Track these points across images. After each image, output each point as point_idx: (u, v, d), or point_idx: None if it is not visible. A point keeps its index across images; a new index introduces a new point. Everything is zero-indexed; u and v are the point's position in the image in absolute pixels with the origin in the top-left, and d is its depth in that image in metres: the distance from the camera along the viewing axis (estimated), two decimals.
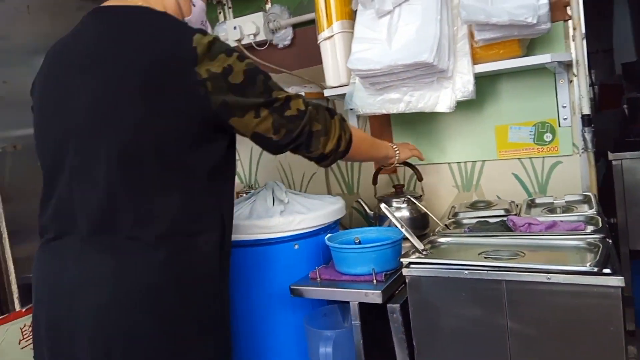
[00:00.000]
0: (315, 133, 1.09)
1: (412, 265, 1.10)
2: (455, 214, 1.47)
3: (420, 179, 1.60)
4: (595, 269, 0.88)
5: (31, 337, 1.56)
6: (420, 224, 1.59)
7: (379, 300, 1.19)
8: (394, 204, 1.59)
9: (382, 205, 1.27)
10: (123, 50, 0.97)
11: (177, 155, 0.98)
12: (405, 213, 1.59)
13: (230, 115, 1.00)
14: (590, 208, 1.30)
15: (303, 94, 1.76)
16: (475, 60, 1.46)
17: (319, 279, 1.34)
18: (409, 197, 1.60)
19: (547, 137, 1.57)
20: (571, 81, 1.52)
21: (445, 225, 1.37)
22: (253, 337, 1.49)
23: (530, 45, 1.50)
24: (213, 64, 0.95)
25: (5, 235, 1.76)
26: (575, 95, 1.52)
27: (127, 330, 0.94)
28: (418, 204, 1.57)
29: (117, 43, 0.98)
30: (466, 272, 1.02)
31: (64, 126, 1.01)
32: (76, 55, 1.02)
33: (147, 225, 0.96)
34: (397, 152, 1.46)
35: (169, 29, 0.99)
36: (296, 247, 1.46)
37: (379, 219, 1.64)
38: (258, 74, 1.03)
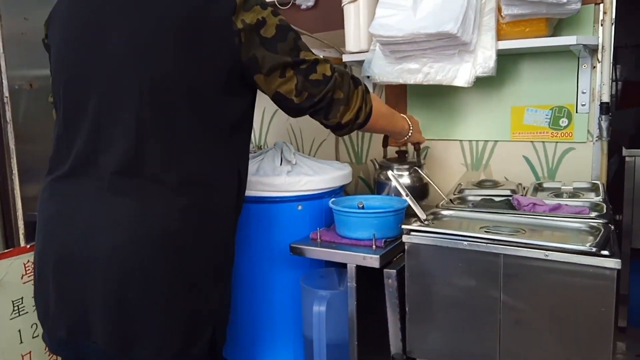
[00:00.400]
0: (336, 101, 1.08)
1: (412, 233, 1.11)
2: (461, 191, 1.47)
3: (417, 149, 1.60)
4: (594, 250, 0.89)
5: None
6: (420, 192, 1.57)
7: (376, 265, 1.21)
8: (396, 170, 1.58)
9: (390, 173, 1.28)
10: None
11: (205, 103, 0.98)
12: (406, 180, 1.57)
13: (256, 70, 1.00)
14: (597, 196, 1.30)
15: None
16: (499, 37, 1.44)
17: (319, 240, 1.36)
18: (414, 166, 1.58)
19: (563, 122, 1.55)
20: (594, 67, 1.49)
21: (450, 200, 1.37)
22: (251, 290, 1.52)
23: (557, 27, 1.47)
24: (248, 15, 0.96)
25: (15, 173, 1.80)
26: (596, 82, 1.49)
27: (144, 269, 0.94)
28: (421, 173, 1.56)
29: None
30: (465, 243, 1.03)
31: (92, 64, 0.99)
32: None
33: (173, 170, 0.97)
34: (410, 134, 1.44)
35: None
36: (300, 208, 1.47)
37: (378, 186, 1.63)
38: (289, 31, 1.03)
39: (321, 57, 1.08)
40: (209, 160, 1.01)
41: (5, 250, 1.53)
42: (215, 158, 1.02)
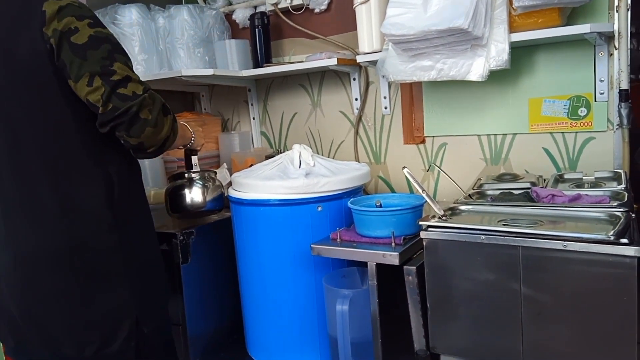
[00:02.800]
0: (142, 120, 1.03)
1: (430, 229, 1.11)
2: (480, 186, 1.46)
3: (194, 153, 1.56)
4: (612, 238, 0.88)
5: None
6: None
7: (395, 262, 1.22)
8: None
9: (405, 170, 1.28)
10: None
11: (47, 113, 1.03)
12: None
13: (67, 76, 1.02)
14: (619, 184, 1.27)
15: (335, 60, 1.77)
16: (512, 29, 1.43)
17: (339, 240, 1.37)
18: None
19: (582, 111, 1.53)
20: (611, 54, 1.46)
21: (469, 195, 1.37)
22: (276, 291, 1.54)
23: (570, 16, 1.45)
24: (59, 24, 1.00)
25: None
26: (614, 69, 1.47)
27: (35, 288, 1.06)
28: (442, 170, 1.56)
29: None
30: (483, 237, 1.03)
31: None
32: None
33: (28, 190, 1.04)
34: (193, 139, 1.42)
35: None
36: (319, 209, 1.49)
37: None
38: (105, 43, 1.02)
39: (138, 77, 1.05)
40: (64, 169, 1.06)
41: None
42: (71, 166, 1.06)
